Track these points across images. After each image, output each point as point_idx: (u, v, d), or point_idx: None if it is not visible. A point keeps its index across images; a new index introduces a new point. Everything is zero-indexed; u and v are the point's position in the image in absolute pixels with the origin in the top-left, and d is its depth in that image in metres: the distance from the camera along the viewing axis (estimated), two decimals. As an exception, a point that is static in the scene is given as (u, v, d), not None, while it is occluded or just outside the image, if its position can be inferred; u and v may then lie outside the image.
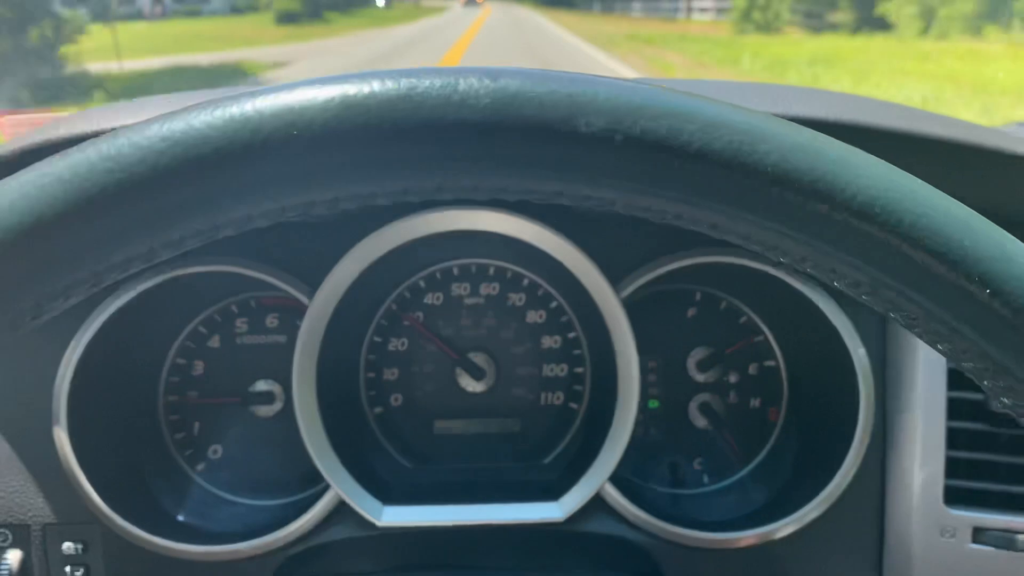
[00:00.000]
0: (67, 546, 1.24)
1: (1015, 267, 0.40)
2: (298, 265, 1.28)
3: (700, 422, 1.47)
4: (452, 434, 1.48)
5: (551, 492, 1.30)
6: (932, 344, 0.45)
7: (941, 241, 0.40)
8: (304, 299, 1.25)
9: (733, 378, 1.49)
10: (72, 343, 1.21)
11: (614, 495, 1.26)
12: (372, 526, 1.25)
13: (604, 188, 0.42)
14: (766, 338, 1.47)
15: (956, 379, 1.20)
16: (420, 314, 1.47)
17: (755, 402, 1.48)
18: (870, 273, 0.42)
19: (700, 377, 1.47)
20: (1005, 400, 0.45)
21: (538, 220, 1.23)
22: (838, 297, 1.26)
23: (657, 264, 1.27)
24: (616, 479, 1.27)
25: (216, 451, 1.45)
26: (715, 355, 1.47)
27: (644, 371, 1.46)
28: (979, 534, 1.18)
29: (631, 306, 1.28)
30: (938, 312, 0.42)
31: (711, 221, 0.43)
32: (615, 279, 1.26)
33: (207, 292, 1.41)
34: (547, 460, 1.46)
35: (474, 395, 1.48)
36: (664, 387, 1.48)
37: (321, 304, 1.24)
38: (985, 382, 0.45)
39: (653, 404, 1.48)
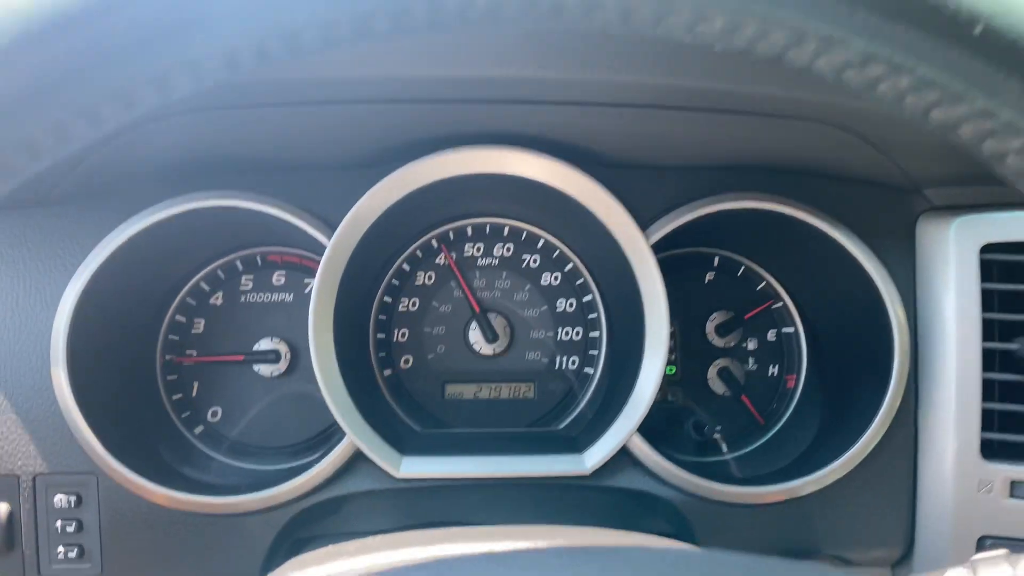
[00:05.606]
0: (59, 498, 1.16)
1: None
2: (318, 206, 1.23)
3: (719, 388, 1.43)
4: (463, 399, 1.42)
5: (575, 447, 1.25)
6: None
7: None
8: (323, 238, 1.19)
9: (751, 344, 1.45)
10: (75, 276, 1.14)
11: (642, 446, 1.21)
12: (390, 478, 1.19)
13: None
14: (785, 305, 1.45)
15: (989, 329, 1.18)
16: (432, 273, 1.42)
17: (773, 369, 1.45)
18: None
19: (719, 342, 1.44)
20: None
21: (566, 162, 1.20)
22: (876, 248, 1.23)
23: (687, 209, 1.24)
24: (642, 433, 1.23)
25: (215, 413, 1.38)
26: (734, 320, 1.43)
27: None
28: (1016, 487, 1.15)
29: None
30: None
31: None
32: (644, 224, 1.23)
33: (213, 241, 1.34)
34: (562, 426, 1.40)
35: (486, 358, 1.43)
36: (683, 352, 1.44)
37: (342, 240, 1.18)
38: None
39: (671, 370, 1.43)
